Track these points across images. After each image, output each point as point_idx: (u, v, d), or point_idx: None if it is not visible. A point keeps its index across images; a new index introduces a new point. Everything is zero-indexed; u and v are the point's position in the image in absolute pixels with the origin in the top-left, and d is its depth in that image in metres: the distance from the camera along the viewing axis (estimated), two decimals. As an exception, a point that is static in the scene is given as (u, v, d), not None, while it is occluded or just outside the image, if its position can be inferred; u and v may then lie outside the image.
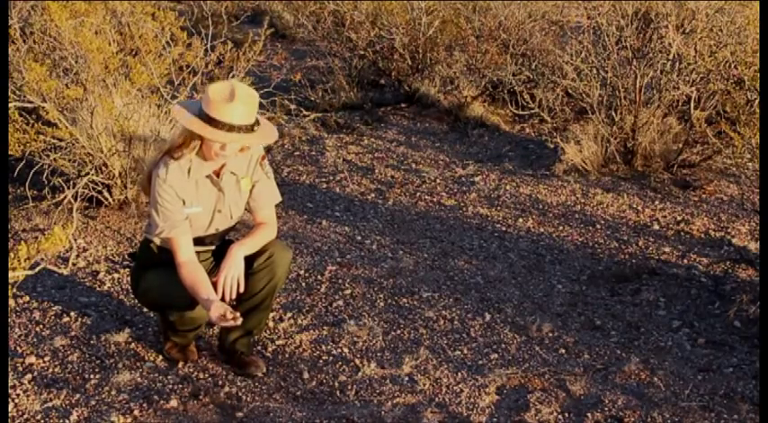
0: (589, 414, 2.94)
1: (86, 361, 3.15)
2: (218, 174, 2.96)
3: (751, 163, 5.32)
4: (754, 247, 4.20)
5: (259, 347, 3.28)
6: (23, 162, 4.39)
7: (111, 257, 4.00)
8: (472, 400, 3.01)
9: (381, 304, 3.68)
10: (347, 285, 3.84)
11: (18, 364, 3.10)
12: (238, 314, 2.77)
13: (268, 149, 5.28)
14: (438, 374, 3.16)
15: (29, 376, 3.03)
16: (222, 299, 2.86)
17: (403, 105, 6.67)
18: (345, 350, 3.31)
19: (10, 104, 4.17)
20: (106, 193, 4.42)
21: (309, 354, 3.27)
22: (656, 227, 4.56)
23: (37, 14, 4.88)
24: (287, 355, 3.24)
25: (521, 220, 4.66)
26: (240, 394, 2.99)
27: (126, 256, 3.93)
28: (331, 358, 3.24)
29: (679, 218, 4.67)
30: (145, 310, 3.46)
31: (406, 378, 3.13)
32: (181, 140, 2.86)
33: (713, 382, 3.17)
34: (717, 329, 3.54)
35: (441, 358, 3.27)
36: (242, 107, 2.76)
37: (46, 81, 4.16)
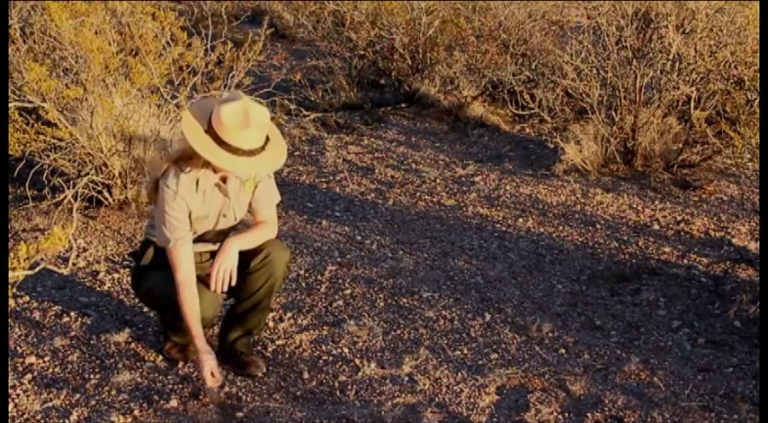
0: (589, 414, 2.94)
1: (86, 361, 3.15)
2: (224, 180, 2.95)
3: (751, 163, 5.32)
4: (754, 247, 4.20)
5: (259, 347, 3.28)
6: (23, 162, 4.39)
7: (111, 257, 4.00)
8: (472, 400, 3.01)
9: (381, 304, 3.68)
10: (347, 285, 3.84)
11: (18, 364, 3.10)
12: (220, 378, 2.91)
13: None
14: (438, 374, 3.16)
15: (29, 376, 3.03)
16: (215, 290, 2.92)
17: (403, 105, 6.67)
18: (345, 350, 3.31)
19: (10, 104, 4.17)
20: (106, 193, 4.42)
21: (309, 354, 3.27)
22: (656, 227, 4.56)
23: (37, 14, 4.88)
24: (287, 355, 3.24)
25: (521, 220, 4.66)
26: (240, 394, 2.99)
27: (126, 256, 3.94)
28: (331, 358, 3.24)
29: (679, 218, 4.67)
30: (145, 309, 3.46)
31: (406, 378, 3.13)
32: (190, 153, 2.81)
33: (713, 382, 3.17)
34: (717, 329, 3.54)
35: (441, 358, 3.27)
36: (256, 132, 2.74)
37: (46, 81, 4.16)
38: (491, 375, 3.15)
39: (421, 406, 2.97)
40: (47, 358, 3.15)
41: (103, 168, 4.35)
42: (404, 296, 3.76)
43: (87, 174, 4.30)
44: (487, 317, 3.61)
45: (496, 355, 3.31)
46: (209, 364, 2.89)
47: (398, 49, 6.70)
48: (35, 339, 3.28)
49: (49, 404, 2.88)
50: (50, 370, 3.08)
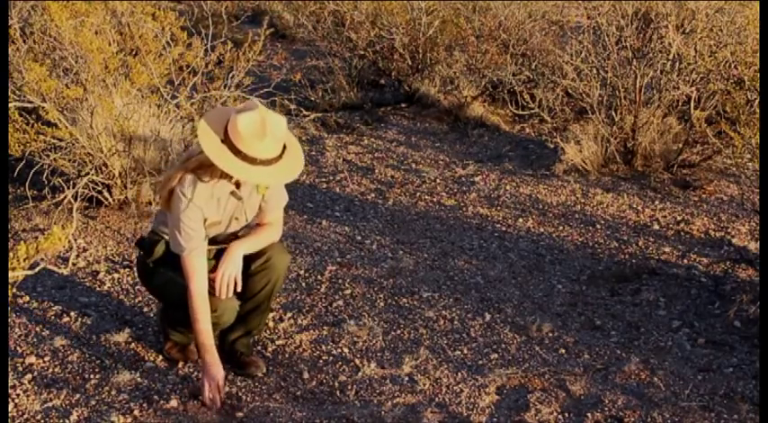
0: (589, 414, 2.94)
1: (86, 361, 3.15)
2: (238, 185, 2.93)
3: (751, 163, 5.32)
4: (754, 247, 4.20)
5: (259, 347, 3.28)
6: (23, 162, 4.39)
7: (111, 257, 4.00)
8: (472, 400, 3.01)
9: (381, 304, 3.68)
10: (347, 285, 3.84)
11: (18, 364, 3.10)
12: (219, 403, 2.86)
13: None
14: (438, 374, 3.16)
15: (29, 376, 3.03)
16: (219, 296, 2.90)
17: (403, 105, 6.67)
18: (345, 350, 3.31)
19: (10, 104, 4.17)
20: (106, 193, 4.42)
21: (309, 354, 3.27)
22: (656, 227, 4.56)
23: (37, 14, 4.88)
24: (287, 355, 3.24)
25: (521, 220, 4.66)
26: (240, 394, 2.99)
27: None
28: (331, 358, 3.24)
29: (679, 218, 4.67)
30: (145, 309, 3.47)
31: (406, 378, 3.13)
32: (209, 163, 2.78)
33: (713, 382, 3.17)
34: (717, 329, 3.54)
35: (441, 358, 3.27)
36: (273, 142, 2.74)
37: (46, 81, 4.16)
38: (491, 375, 3.15)
39: (421, 406, 2.97)
40: (47, 358, 3.15)
41: (103, 168, 4.35)
42: (404, 296, 3.76)
43: (87, 174, 4.30)
44: (487, 317, 3.61)
45: (496, 355, 3.31)
46: (215, 381, 2.86)
47: (398, 49, 6.70)
48: (35, 339, 3.28)
49: (49, 404, 2.88)
50: (50, 370, 3.08)
